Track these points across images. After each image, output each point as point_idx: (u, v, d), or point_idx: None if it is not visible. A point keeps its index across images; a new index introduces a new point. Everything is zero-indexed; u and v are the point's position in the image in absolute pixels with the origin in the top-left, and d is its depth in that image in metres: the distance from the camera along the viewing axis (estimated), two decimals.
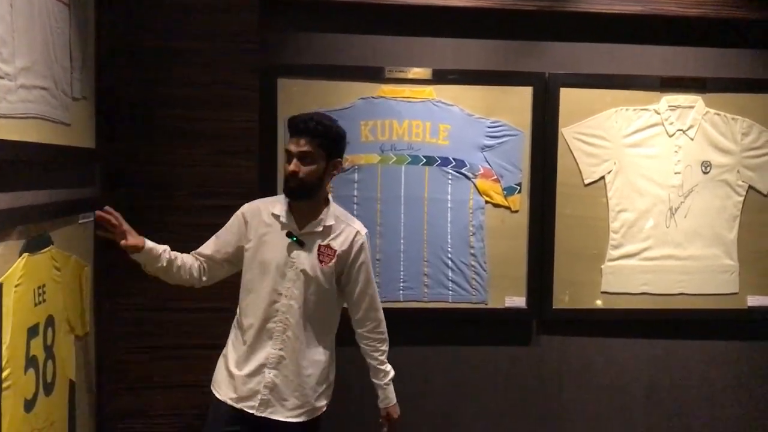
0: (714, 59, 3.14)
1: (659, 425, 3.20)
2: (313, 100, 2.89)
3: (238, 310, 2.26)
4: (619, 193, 3.08)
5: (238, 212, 2.25)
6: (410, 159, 2.99)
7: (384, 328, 2.30)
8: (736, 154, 3.12)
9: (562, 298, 3.08)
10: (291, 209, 2.18)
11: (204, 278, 2.25)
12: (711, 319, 3.16)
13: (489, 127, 3.01)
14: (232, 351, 2.22)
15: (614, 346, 3.16)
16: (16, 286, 1.73)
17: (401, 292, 3.01)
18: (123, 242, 2.07)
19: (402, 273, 3.01)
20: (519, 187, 3.04)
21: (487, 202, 3.03)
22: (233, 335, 2.25)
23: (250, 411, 2.16)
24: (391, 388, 2.31)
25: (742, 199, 3.13)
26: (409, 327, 3.02)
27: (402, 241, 3.00)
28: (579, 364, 3.15)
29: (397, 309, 2.97)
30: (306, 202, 2.17)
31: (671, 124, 3.08)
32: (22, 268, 1.76)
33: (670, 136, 3.09)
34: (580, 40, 3.08)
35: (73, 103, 2.16)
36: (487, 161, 3.01)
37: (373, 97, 2.97)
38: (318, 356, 2.22)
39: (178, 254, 2.19)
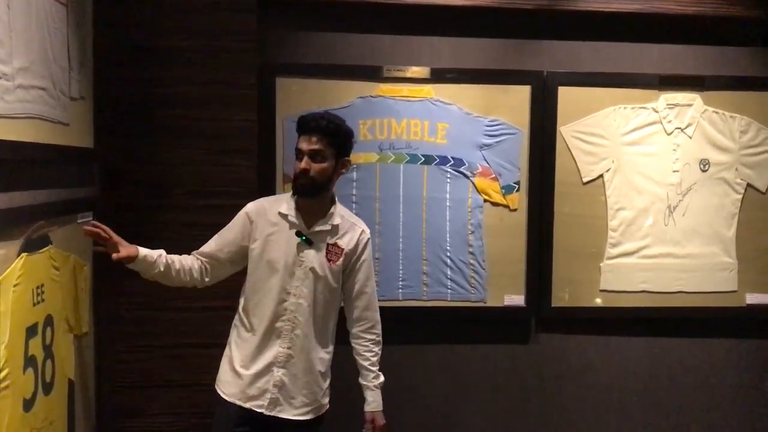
0: (712, 57, 3.14)
1: (658, 423, 3.20)
2: (312, 99, 2.89)
3: (239, 310, 2.25)
4: (617, 191, 3.08)
5: (243, 211, 2.24)
6: (409, 158, 2.99)
7: (379, 330, 2.29)
8: (734, 152, 3.12)
9: (562, 296, 3.08)
10: (298, 208, 2.19)
11: (206, 279, 2.24)
12: (710, 317, 3.16)
13: (487, 126, 3.02)
14: (237, 350, 2.21)
15: (613, 344, 3.16)
16: (14, 286, 1.73)
17: (400, 290, 3.02)
18: (115, 255, 2.04)
19: (401, 272, 3.01)
20: (517, 186, 3.04)
21: (485, 200, 3.03)
22: (236, 334, 2.25)
23: (259, 410, 2.16)
24: (380, 393, 2.26)
25: (740, 196, 3.13)
26: (409, 326, 3.03)
27: (401, 240, 3.00)
28: (578, 362, 3.15)
29: (397, 308, 2.97)
30: (314, 200, 2.18)
31: (669, 122, 3.08)
32: (20, 267, 1.76)
33: (669, 134, 3.09)
34: (578, 39, 3.08)
35: (72, 102, 2.17)
36: (486, 160, 3.02)
37: (371, 96, 2.97)
38: (324, 354, 2.23)
39: (176, 257, 2.17)
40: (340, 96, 2.94)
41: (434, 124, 2.99)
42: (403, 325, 3.00)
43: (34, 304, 1.87)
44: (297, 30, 2.95)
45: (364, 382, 2.26)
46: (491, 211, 3.04)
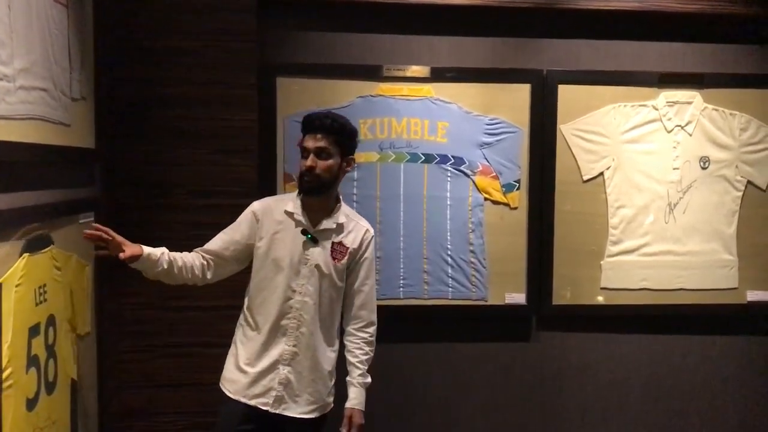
0: (712, 55, 3.14)
1: (659, 421, 3.20)
2: (312, 98, 2.90)
3: (244, 308, 2.26)
4: (617, 189, 3.09)
5: (249, 209, 2.25)
6: (409, 157, 3.00)
7: (373, 331, 2.27)
8: (734, 149, 3.12)
9: (564, 294, 3.08)
10: (304, 207, 2.20)
11: (208, 276, 2.23)
12: (710, 315, 3.16)
13: (487, 125, 3.02)
14: (242, 348, 2.22)
15: (613, 342, 3.16)
16: (16, 286, 1.74)
17: (401, 289, 3.02)
18: (122, 255, 2.02)
19: (402, 270, 3.02)
20: (518, 184, 3.04)
21: (486, 199, 3.03)
22: (241, 333, 2.25)
23: (264, 408, 2.16)
24: (363, 392, 2.22)
25: (740, 194, 3.14)
26: (410, 324, 3.03)
27: (402, 238, 3.01)
28: (578, 360, 3.16)
29: (398, 306, 2.98)
30: (319, 199, 2.19)
31: (669, 120, 3.09)
32: (22, 268, 1.77)
33: (669, 131, 3.09)
34: (577, 37, 3.08)
35: (73, 103, 2.17)
36: (486, 158, 3.02)
37: (371, 96, 2.98)
38: (329, 353, 2.24)
39: (178, 255, 2.17)
40: (341, 95, 2.95)
41: (434, 123, 3.00)
42: (404, 324, 3.01)
43: (37, 304, 1.88)
44: (297, 30, 2.95)
45: (349, 379, 2.23)
46: (492, 209, 3.04)
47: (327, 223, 2.19)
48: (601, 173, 3.08)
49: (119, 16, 2.60)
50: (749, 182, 3.14)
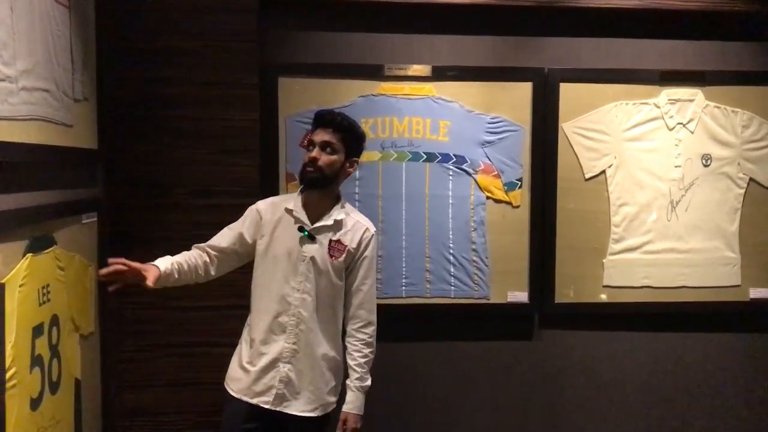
0: (713, 52, 3.14)
1: (661, 419, 3.20)
2: (314, 98, 2.90)
3: (251, 308, 2.27)
4: (619, 187, 3.08)
5: (253, 207, 2.27)
6: (411, 156, 3.00)
7: (371, 332, 2.25)
8: (736, 146, 3.12)
9: (567, 293, 3.08)
10: (304, 204, 2.21)
11: (212, 272, 2.23)
12: (713, 312, 3.16)
13: (489, 123, 3.02)
14: (245, 347, 2.23)
15: (616, 340, 3.16)
16: (20, 287, 1.75)
17: (403, 288, 3.02)
18: (149, 284, 1.98)
19: (404, 269, 3.02)
20: (520, 183, 3.04)
21: (488, 197, 3.03)
22: (246, 332, 2.27)
23: (266, 406, 2.17)
24: (361, 396, 2.21)
25: (743, 191, 3.13)
26: (412, 323, 3.04)
27: (404, 237, 3.01)
28: (581, 358, 3.16)
29: (400, 305, 2.98)
30: (319, 195, 2.20)
31: (671, 117, 3.08)
32: (26, 268, 1.78)
33: (671, 129, 3.09)
34: (579, 35, 3.08)
35: (75, 104, 2.18)
36: (488, 157, 3.02)
37: (373, 95, 2.98)
38: (330, 352, 2.23)
39: (181, 258, 2.16)
40: (342, 95, 2.95)
41: (436, 122, 3.00)
42: (406, 323, 3.01)
43: (40, 304, 1.89)
44: (297, 30, 2.96)
45: (348, 382, 2.22)
46: (494, 208, 3.05)
47: (325, 220, 2.20)
48: (603, 171, 3.08)
49: (121, 16, 2.61)
50: (751, 179, 3.13)
